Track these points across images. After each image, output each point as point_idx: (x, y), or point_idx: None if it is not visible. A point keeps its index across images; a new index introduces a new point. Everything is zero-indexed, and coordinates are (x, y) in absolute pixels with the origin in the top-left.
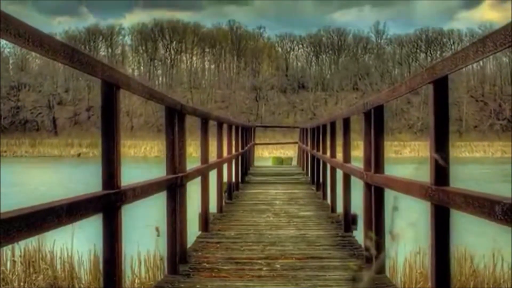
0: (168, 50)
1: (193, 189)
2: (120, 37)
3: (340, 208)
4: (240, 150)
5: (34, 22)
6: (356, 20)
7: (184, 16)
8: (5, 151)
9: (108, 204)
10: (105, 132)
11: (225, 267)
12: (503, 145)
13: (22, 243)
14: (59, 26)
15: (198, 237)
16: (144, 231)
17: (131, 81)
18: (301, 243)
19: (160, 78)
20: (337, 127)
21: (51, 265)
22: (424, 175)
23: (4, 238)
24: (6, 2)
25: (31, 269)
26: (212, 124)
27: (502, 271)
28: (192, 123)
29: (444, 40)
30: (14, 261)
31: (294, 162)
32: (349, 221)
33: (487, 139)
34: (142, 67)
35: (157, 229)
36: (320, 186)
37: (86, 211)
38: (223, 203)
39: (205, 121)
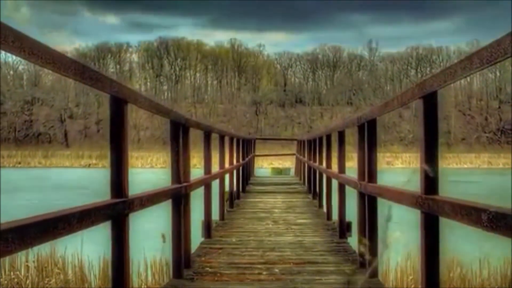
0: (173, 67)
1: (196, 198)
2: (128, 55)
3: (335, 216)
4: (241, 161)
5: None
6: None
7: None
8: (20, 162)
9: (117, 212)
10: (113, 144)
11: (227, 272)
12: (490, 157)
13: (36, 249)
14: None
15: (201, 243)
16: (150, 237)
17: (138, 96)
18: (298, 249)
19: (166, 93)
20: (333, 140)
21: (63, 269)
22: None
23: (19, 244)
24: None
25: (44, 274)
26: (215, 136)
27: (489, 277)
28: (196, 135)
29: (434, 57)
30: (28, 266)
31: (292, 173)
32: (344, 228)
33: (474, 151)
34: (148, 83)
35: (163, 236)
36: (316, 195)
37: (95, 218)
38: (225, 211)
39: (208, 134)
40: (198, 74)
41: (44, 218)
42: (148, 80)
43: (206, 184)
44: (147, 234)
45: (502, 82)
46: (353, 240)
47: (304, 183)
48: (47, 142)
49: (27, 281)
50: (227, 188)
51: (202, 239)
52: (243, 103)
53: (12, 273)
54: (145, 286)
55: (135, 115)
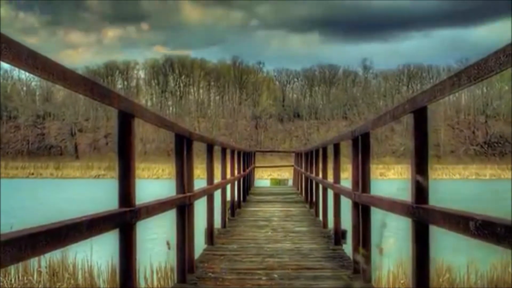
0: (177, 83)
1: (199, 207)
2: (135, 72)
3: (331, 224)
4: (241, 172)
5: None
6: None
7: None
8: (32, 173)
9: (124, 220)
10: (121, 156)
11: (228, 277)
12: (477, 168)
13: (47, 255)
14: (80, 61)
15: (204, 250)
16: (156, 244)
17: (144, 110)
18: (296, 255)
19: (171, 108)
20: (328, 152)
21: (73, 274)
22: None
23: (32, 250)
24: None
25: (55, 279)
26: (217, 149)
27: (476, 281)
28: (199, 148)
29: (424, 74)
30: (40, 271)
31: (290, 183)
32: (339, 236)
33: (462, 163)
34: (154, 98)
35: (168, 243)
36: (313, 204)
37: (104, 226)
38: (227, 220)
39: (210, 146)
40: (201, 90)
41: (56, 226)
42: (154, 95)
43: (208, 194)
44: (154, 241)
45: (489, 98)
46: (348, 247)
47: (301, 193)
48: (58, 154)
49: (39, 286)
50: (228, 198)
51: (205, 246)
52: (243, 117)
53: (25, 278)
54: None
55: (141, 129)
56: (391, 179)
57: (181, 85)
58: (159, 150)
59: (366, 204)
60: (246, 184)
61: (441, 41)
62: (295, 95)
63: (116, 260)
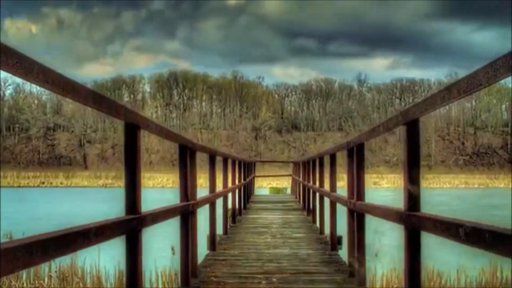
0: (181, 96)
1: (202, 214)
2: (141, 86)
3: (327, 231)
4: (242, 181)
5: None
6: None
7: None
8: (43, 182)
9: (131, 227)
10: (127, 166)
11: (229, 281)
12: (466, 177)
13: (57, 260)
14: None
15: (206, 255)
16: (161, 250)
17: (149, 122)
18: (294, 260)
19: (174, 120)
20: (325, 162)
21: (82, 279)
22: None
23: (43, 256)
24: None
25: (65, 283)
26: (219, 159)
27: (466, 285)
28: (202, 158)
29: (416, 88)
30: (51, 276)
31: (288, 192)
32: (335, 242)
33: (452, 172)
34: (159, 111)
35: (172, 249)
36: (310, 211)
37: (112, 233)
38: (228, 226)
39: (212, 156)
40: (203, 103)
41: (65, 232)
42: (159, 108)
43: (211, 202)
44: (159, 247)
45: (478, 111)
46: (344, 253)
47: (299, 201)
48: (68, 164)
49: None
50: (230, 206)
51: (208, 251)
52: (244, 129)
53: (36, 282)
54: None
55: (147, 140)
56: (385, 188)
57: (185, 98)
58: (163, 160)
59: (361, 211)
60: (247, 193)
61: None
62: (293, 108)
63: (123, 265)
